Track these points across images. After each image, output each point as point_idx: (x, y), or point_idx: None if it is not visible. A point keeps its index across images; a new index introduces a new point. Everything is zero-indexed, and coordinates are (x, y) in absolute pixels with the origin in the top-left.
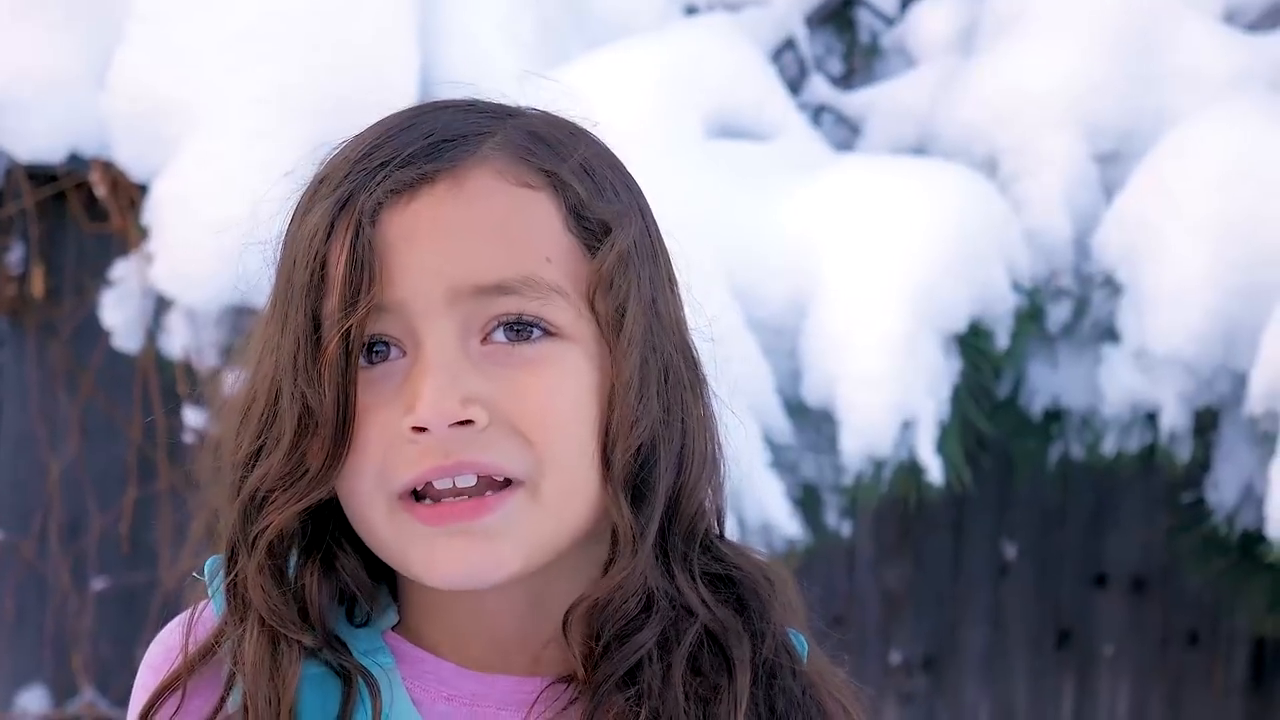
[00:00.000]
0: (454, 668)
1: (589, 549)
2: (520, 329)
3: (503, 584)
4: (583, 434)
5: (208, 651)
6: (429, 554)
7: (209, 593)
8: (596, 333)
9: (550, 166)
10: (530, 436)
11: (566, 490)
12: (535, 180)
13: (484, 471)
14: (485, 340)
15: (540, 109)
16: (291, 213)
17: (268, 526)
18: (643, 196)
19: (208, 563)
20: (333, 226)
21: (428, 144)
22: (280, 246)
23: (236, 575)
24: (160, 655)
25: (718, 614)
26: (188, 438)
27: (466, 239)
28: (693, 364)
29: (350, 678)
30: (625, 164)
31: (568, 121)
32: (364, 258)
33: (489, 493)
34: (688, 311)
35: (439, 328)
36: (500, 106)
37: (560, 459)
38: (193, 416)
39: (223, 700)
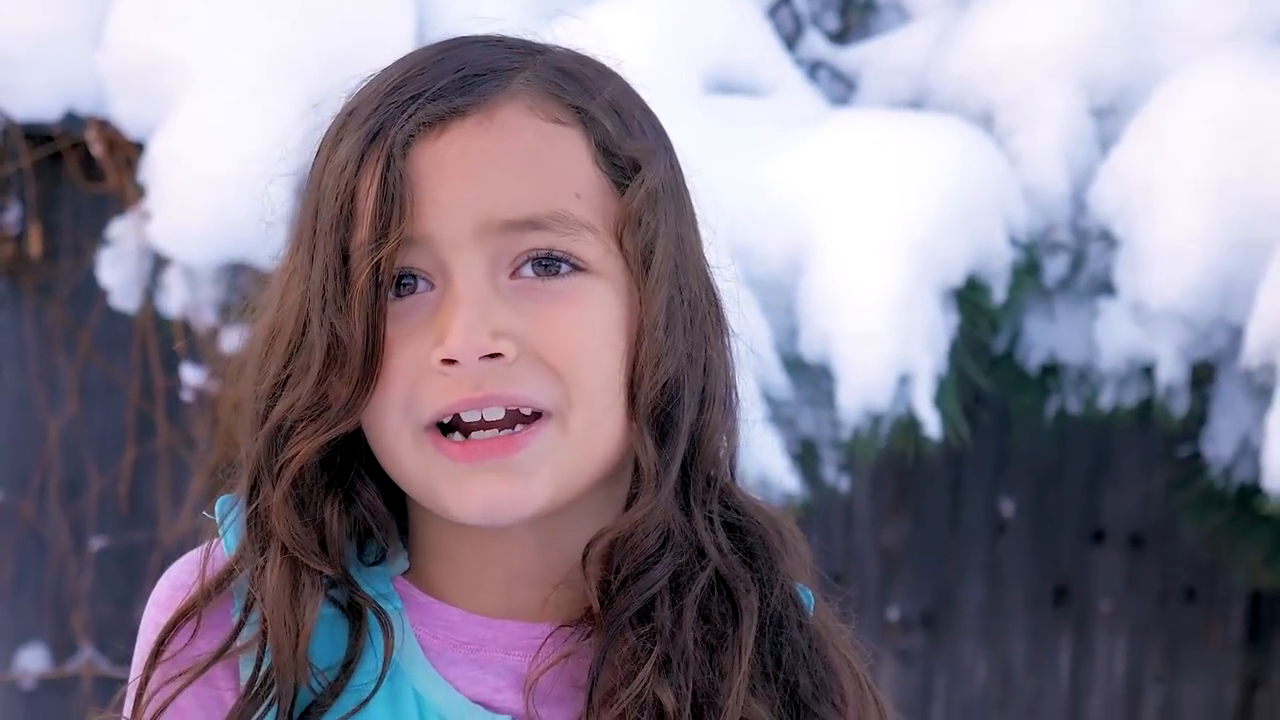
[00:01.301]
0: (461, 613)
1: (606, 490)
2: (549, 264)
3: (528, 519)
4: (610, 368)
5: (223, 580)
6: (460, 490)
7: (219, 531)
8: (624, 269)
9: (580, 103)
10: (558, 369)
11: (594, 423)
12: (565, 116)
13: (512, 404)
14: (514, 275)
15: (568, 47)
16: (319, 145)
17: (294, 456)
18: (668, 138)
19: (219, 501)
20: (362, 159)
21: (459, 78)
22: (308, 178)
23: (259, 504)
24: (167, 592)
25: (729, 560)
26: (186, 396)
27: (496, 173)
28: (715, 303)
29: (361, 614)
30: (649, 104)
31: (595, 60)
32: (394, 190)
33: (519, 426)
34: (710, 252)
35: (468, 261)
36: (528, 43)
37: (588, 392)
38: (191, 375)
39: (237, 630)
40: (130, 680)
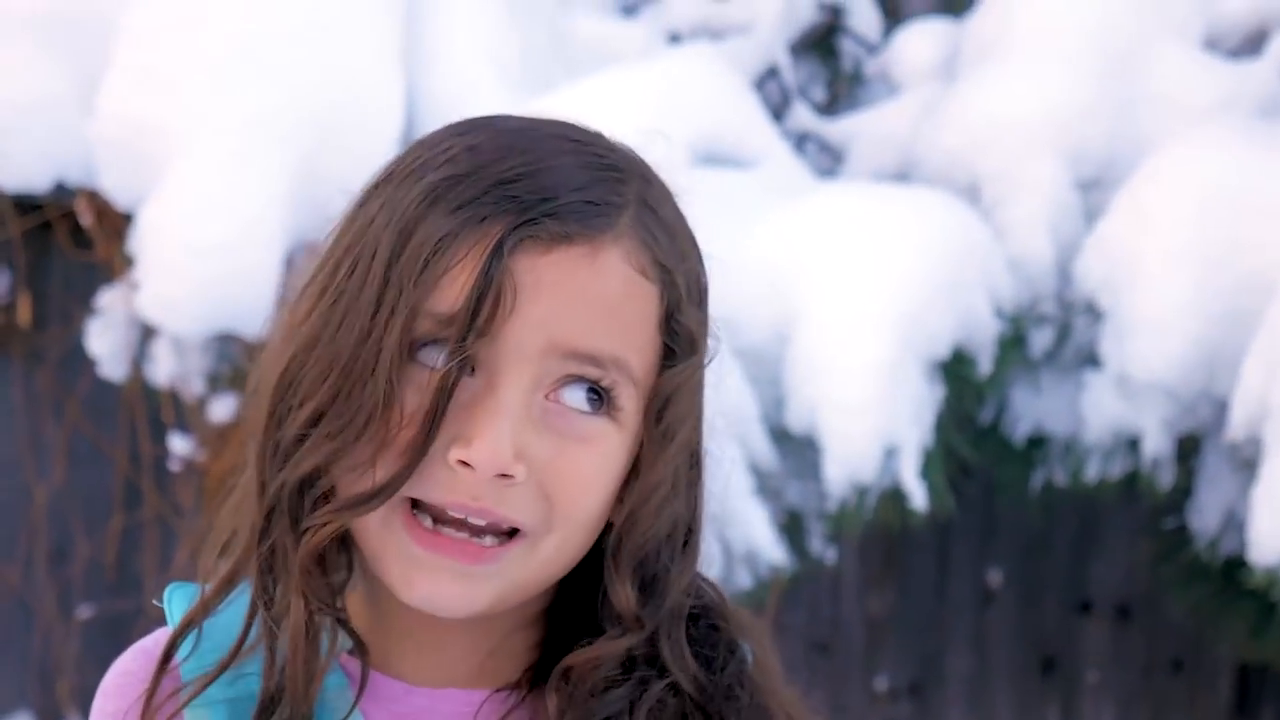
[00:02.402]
0: (404, 686)
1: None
2: (593, 396)
3: (469, 616)
4: (597, 507)
5: (206, 608)
6: (408, 574)
7: (166, 618)
8: (641, 429)
9: (668, 263)
10: (552, 497)
11: (562, 549)
12: (652, 272)
13: (499, 523)
14: (549, 396)
15: (649, 168)
16: (389, 182)
17: (326, 525)
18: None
19: (167, 589)
20: (460, 238)
21: (577, 200)
22: (375, 215)
23: (273, 550)
24: (114, 680)
25: (692, 668)
26: (174, 466)
27: (582, 307)
28: (703, 453)
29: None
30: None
31: (671, 195)
32: (495, 288)
33: (488, 538)
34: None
35: (521, 374)
36: (622, 158)
37: (571, 523)
38: (179, 444)
39: (232, 656)
40: None
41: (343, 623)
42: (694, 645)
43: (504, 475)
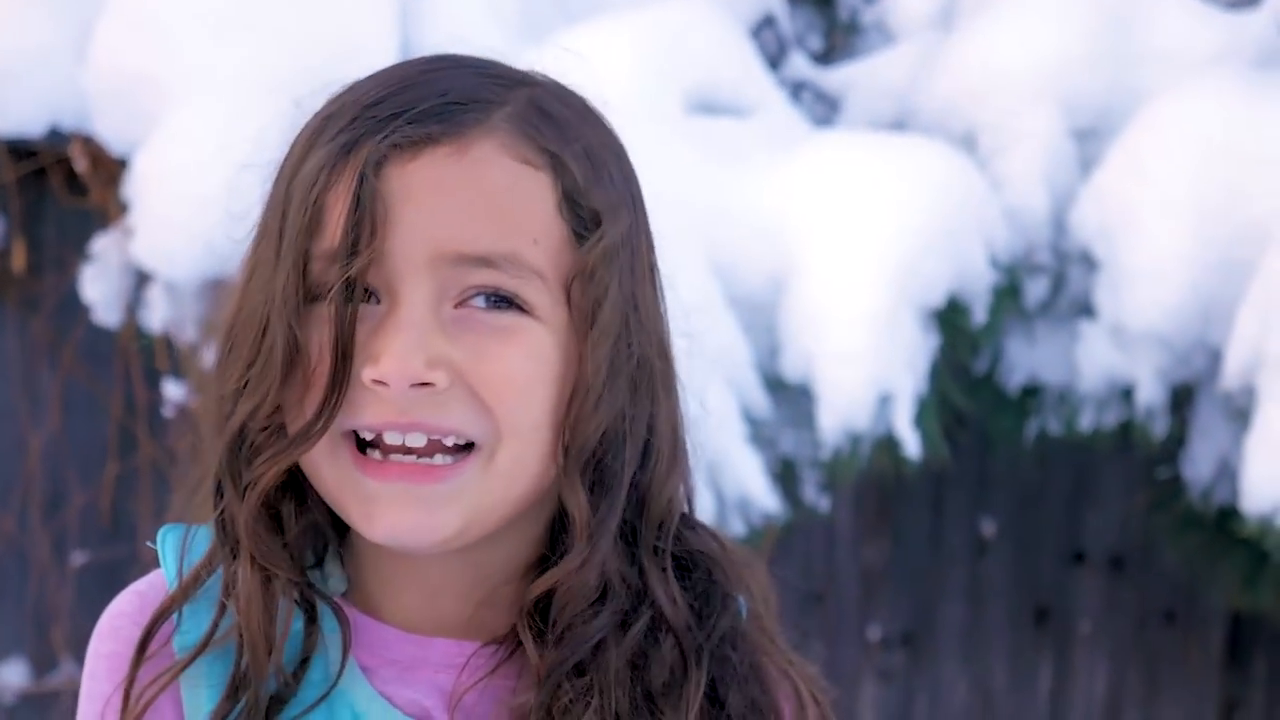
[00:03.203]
0: (395, 632)
1: (534, 514)
2: (496, 300)
3: (436, 547)
4: (540, 410)
5: (196, 580)
6: (368, 510)
7: (160, 561)
8: (569, 320)
9: (554, 147)
10: (489, 403)
11: (519, 461)
12: (537, 159)
13: (437, 433)
14: (460, 305)
15: (555, 80)
16: (291, 145)
17: (259, 477)
18: (638, 187)
19: (160, 531)
20: (334, 170)
21: (440, 103)
22: (276, 175)
23: (225, 512)
24: (109, 623)
25: (681, 607)
26: (168, 412)
27: (459, 206)
28: (667, 359)
29: (315, 613)
30: (626, 151)
31: (580, 99)
32: (366, 209)
33: (438, 456)
34: (669, 303)
35: (416, 287)
36: (515, 72)
37: (517, 429)
38: (173, 390)
39: (211, 632)
40: (82, 709)
41: (306, 584)
42: (687, 595)
43: (423, 384)
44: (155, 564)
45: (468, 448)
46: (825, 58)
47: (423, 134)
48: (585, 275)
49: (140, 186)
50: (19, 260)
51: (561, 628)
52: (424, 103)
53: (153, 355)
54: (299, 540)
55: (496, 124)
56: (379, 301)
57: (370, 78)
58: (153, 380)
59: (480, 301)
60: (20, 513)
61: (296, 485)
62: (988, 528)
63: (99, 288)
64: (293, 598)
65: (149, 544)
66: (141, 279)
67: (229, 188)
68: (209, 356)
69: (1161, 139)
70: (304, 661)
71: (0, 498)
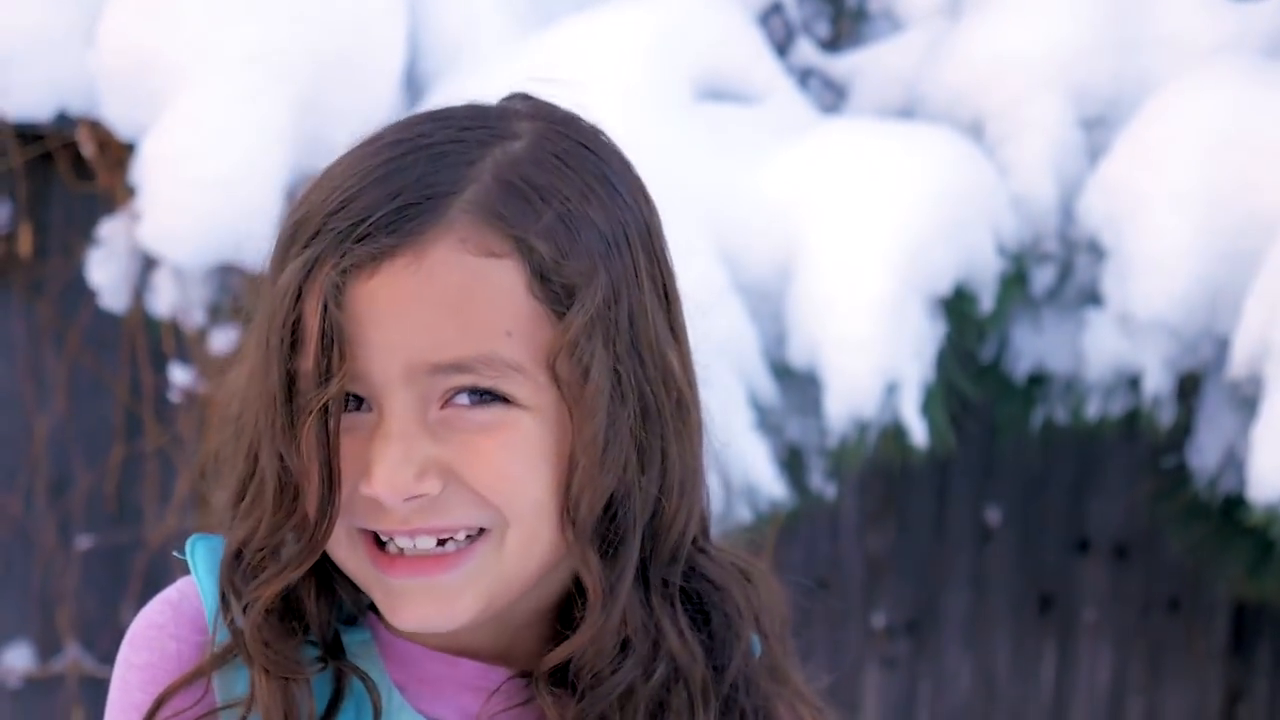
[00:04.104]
0: (422, 649)
1: (553, 572)
2: (479, 395)
3: (462, 627)
4: (540, 492)
5: (221, 660)
6: (390, 603)
7: (191, 572)
8: (559, 396)
9: (519, 231)
10: (486, 498)
11: (529, 541)
12: (500, 247)
13: (443, 534)
14: (445, 405)
15: (541, 121)
16: (274, 244)
17: (259, 596)
18: (638, 210)
19: (189, 542)
20: (301, 291)
21: (392, 209)
22: (267, 274)
23: (233, 622)
24: (142, 631)
25: (691, 649)
26: (174, 397)
27: (423, 316)
28: (681, 394)
29: (342, 674)
30: (621, 171)
31: (562, 137)
32: (333, 337)
33: (450, 544)
34: (687, 314)
35: (398, 399)
36: (494, 124)
37: (521, 516)
38: (180, 375)
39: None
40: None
41: (329, 659)
42: (700, 634)
43: (416, 496)
44: (161, 549)
45: (479, 531)
46: (833, 45)
47: (376, 250)
48: (567, 350)
49: (147, 170)
50: (25, 244)
51: (583, 687)
52: (378, 210)
53: (159, 340)
54: (322, 613)
55: (454, 218)
56: (371, 409)
57: (337, 168)
58: (159, 365)
59: (464, 399)
60: (26, 497)
61: (318, 571)
62: (993, 516)
63: (106, 272)
64: (310, 681)
65: (177, 554)
66: (148, 263)
67: (238, 172)
68: (216, 341)
69: (1169, 128)
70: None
71: (6, 482)
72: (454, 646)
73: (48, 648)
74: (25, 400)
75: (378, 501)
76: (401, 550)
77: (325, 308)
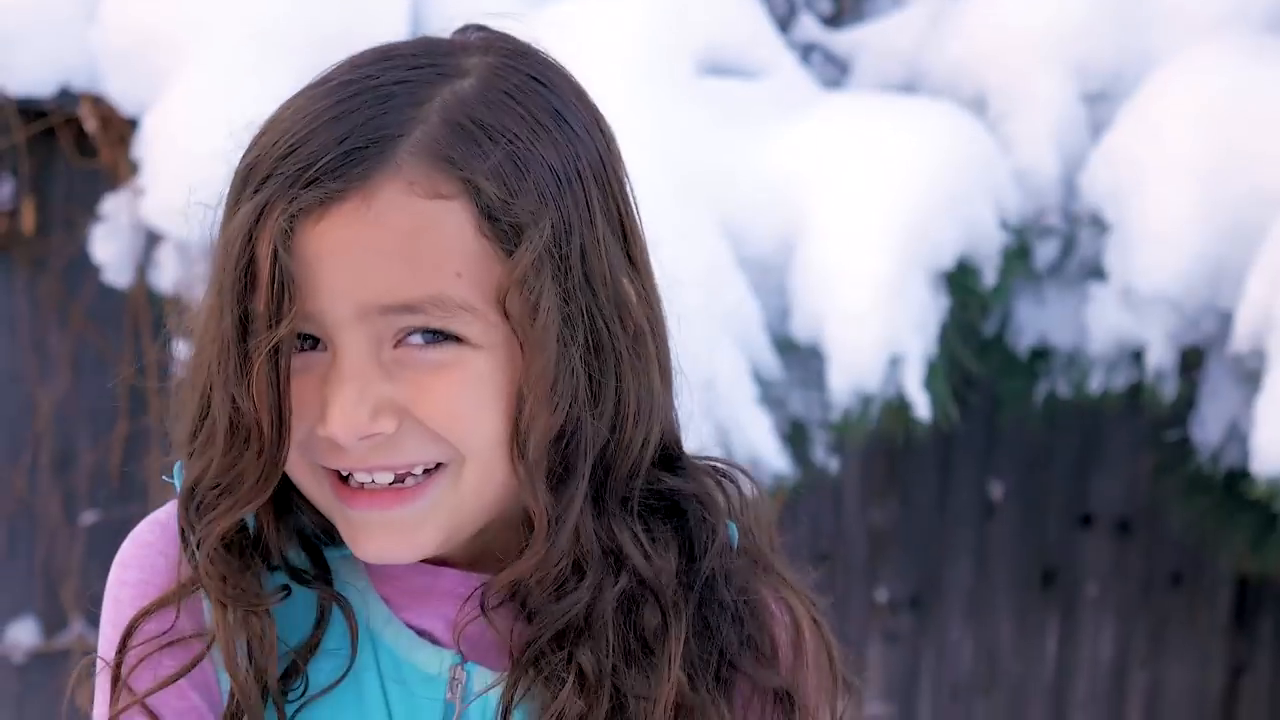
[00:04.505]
0: (406, 564)
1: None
2: (430, 335)
3: (423, 557)
4: (493, 428)
5: (186, 592)
6: (353, 534)
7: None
8: (509, 334)
9: (467, 172)
10: (441, 433)
11: (485, 475)
12: (448, 189)
13: (400, 470)
14: (398, 344)
15: (492, 54)
16: (225, 195)
17: (211, 532)
18: (591, 144)
19: (176, 466)
20: (252, 235)
21: (340, 153)
22: (221, 221)
23: (192, 553)
24: (131, 550)
25: (656, 563)
26: (178, 372)
27: (372, 259)
28: (632, 323)
29: (325, 601)
30: (575, 105)
31: (512, 76)
32: (282, 277)
33: (409, 479)
34: (650, 237)
35: (350, 340)
36: (443, 62)
37: (476, 451)
38: (183, 351)
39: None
40: (103, 649)
41: (284, 595)
42: (672, 543)
43: (371, 435)
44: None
45: (437, 466)
46: (834, 20)
47: (324, 195)
48: (516, 288)
49: (150, 146)
50: (28, 220)
51: (532, 609)
52: (325, 155)
53: (162, 315)
54: (283, 539)
55: (402, 161)
56: (325, 348)
57: (285, 111)
58: (163, 340)
59: (417, 339)
60: (30, 472)
61: (279, 502)
62: (995, 490)
63: (109, 248)
64: (268, 610)
65: (165, 478)
66: (151, 239)
67: (241, 148)
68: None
69: (1172, 102)
70: (313, 644)
71: (10, 456)
72: (435, 556)
73: (53, 623)
74: (29, 376)
75: (333, 443)
76: (362, 485)
77: (275, 252)
